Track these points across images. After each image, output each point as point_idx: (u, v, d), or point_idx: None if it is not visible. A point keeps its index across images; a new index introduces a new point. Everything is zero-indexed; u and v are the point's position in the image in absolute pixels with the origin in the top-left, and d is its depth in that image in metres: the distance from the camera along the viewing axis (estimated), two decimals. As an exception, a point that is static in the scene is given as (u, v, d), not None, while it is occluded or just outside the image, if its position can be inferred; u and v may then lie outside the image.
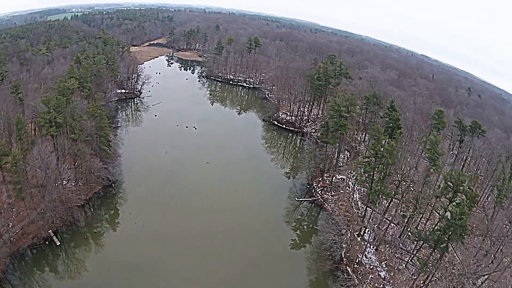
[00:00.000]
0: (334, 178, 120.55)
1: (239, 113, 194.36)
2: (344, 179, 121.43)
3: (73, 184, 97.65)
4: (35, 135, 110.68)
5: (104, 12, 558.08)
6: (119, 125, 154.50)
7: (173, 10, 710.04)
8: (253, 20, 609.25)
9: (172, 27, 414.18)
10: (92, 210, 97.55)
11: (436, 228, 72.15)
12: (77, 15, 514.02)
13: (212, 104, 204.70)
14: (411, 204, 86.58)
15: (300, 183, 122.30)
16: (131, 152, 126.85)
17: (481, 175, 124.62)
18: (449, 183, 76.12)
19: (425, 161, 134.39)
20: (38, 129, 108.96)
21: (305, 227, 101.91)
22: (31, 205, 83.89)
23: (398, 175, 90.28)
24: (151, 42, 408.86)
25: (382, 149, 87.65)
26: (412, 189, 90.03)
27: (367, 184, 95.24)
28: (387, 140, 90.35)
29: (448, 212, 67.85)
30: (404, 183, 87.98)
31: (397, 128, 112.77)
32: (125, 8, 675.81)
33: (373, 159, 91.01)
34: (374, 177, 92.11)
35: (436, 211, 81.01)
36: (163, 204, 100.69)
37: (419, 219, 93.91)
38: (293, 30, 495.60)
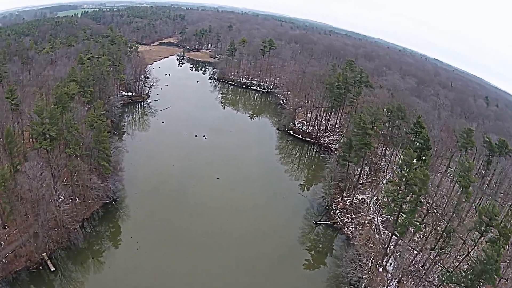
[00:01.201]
0: (354, 199, 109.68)
1: (251, 118, 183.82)
2: (364, 199, 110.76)
3: (70, 200, 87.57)
4: (32, 145, 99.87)
5: (114, 9, 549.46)
6: (123, 132, 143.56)
7: (185, 8, 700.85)
8: (266, 20, 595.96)
9: (184, 26, 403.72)
10: (91, 231, 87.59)
11: (468, 272, 62.79)
12: (87, 11, 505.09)
13: (224, 108, 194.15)
14: (439, 234, 78.79)
15: (318, 203, 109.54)
16: (135, 163, 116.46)
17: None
18: (483, 217, 66.75)
19: (449, 178, 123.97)
20: (35, 140, 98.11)
21: (321, 247, 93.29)
22: (23, 227, 75.66)
23: (428, 203, 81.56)
24: (162, 41, 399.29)
25: (414, 177, 75.73)
26: (440, 216, 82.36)
27: (394, 214, 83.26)
28: (420, 167, 79.21)
29: (483, 252, 61.26)
30: (434, 212, 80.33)
31: (427, 149, 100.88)
32: (136, 6, 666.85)
33: (403, 186, 79.64)
34: (403, 207, 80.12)
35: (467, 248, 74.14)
36: (167, 228, 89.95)
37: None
38: (307, 32, 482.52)
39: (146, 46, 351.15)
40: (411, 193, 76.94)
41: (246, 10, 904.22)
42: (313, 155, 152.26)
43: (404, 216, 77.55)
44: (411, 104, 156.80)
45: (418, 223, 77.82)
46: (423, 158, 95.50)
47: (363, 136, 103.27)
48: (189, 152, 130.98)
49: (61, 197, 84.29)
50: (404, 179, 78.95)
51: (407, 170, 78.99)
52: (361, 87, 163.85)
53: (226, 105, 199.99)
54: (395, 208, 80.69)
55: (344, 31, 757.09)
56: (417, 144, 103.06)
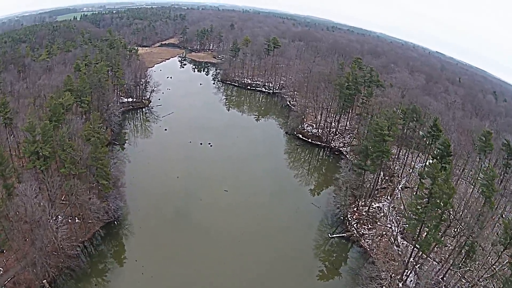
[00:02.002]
0: (370, 208, 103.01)
1: (258, 121, 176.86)
2: (381, 208, 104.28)
3: (69, 221, 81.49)
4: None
5: (114, 11, 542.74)
6: (125, 140, 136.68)
7: (185, 8, 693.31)
8: (268, 18, 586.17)
9: (185, 26, 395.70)
10: (93, 252, 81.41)
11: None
12: (86, 14, 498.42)
13: (229, 111, 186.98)
14: (461, 246, 72.61)
15: (332, 213, 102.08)
16: (137, 175, 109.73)
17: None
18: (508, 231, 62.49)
19: (464, 180, 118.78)
20: (28, 159, 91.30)
21: (336, 260, 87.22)
22: (21, 252, 70.58)
23: (450, 216, 76.18)
24: (163, 43, 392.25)
25: (439, 190, 68.94)
26: (462, 228, 76.77)
27: (417, 230, 76.93)
28: (445, 179, 71.10)
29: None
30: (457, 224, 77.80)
31: (448, 155, 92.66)
32: (136, 7, 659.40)
33: (427, 200, 72.79)
34: (425, 222, 73.10)
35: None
36: (173, 249, 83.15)
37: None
38: (310, 29, 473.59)
39: (146, 48, 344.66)
40: (436, 208, 70.10)
41: (247, 8, 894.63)
42: (323, 158, 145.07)
43: (428, 232, 71.36)
44: (424, 103, 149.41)
45: (442, 239, 72.48)
46: (444, 165, 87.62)
47: (380, 142, 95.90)
48: (194, 162, 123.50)
49: (59, 218, 78.17)
50: (427, 192, 72.60)
51: (432, 183, 72.60)
52: (372, 87, 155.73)
53: (231, 108, 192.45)
54: (417, 223, 74.20)
55: (346, 26, 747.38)
56: (437, 151, 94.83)
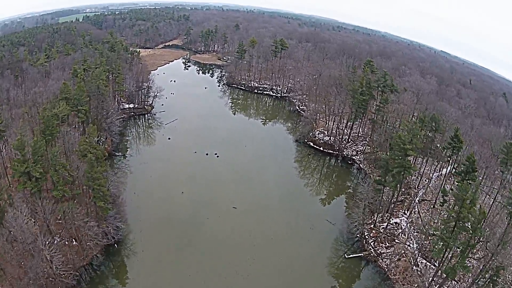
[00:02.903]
0: (387, 224, 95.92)
1: (266, 128, 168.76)
2: (398, 224, 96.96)
3: (66, 243, 74.50)
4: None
5: (116, 13, 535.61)
6: (127, 149, 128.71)
7: (189, 8, 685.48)
8: (273, 18, 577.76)
9: (189, 27, 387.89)
10: (92, 275, 74.04)
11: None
12: (88, 16, 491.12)
13: (235, 115, 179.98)
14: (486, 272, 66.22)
15: (348, 230, 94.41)
16: (138, 191, 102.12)
17: None
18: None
19: (484, 192, 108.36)
20: (18, 180, 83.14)
21: (352, 280, 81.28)
22: (16, 279, 64.24)
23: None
24: (166, 44, 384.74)
25: (468, 214, 63.52)
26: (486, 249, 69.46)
27: (442, 256, 71.68)
28: (473, 201, 65.12)
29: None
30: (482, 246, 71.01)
31: (473, 171, 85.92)
32: (139, 8, 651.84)
33: (454, 223, 66.77)
34: (451, 246, 67.41)
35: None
36: (179, 273, 75.96)
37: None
38: (316, 29, 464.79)
39: (149, 50, 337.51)
40: (464, 232, 65.48)
41: (251, 7, 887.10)
42: (334, 166, 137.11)
43: (456, 258, 67.66)
44: (440, 110, 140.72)
45: (468, 266, 67.44)
46: (469, 181, 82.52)
47: (402, 157, 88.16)
48: (200, 174, 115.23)
49: (55, 241, 70.68)
50: (454, 216, 66.35)
51: (460, 205, 65.67)
52: (387, 92, 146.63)
53: (238, 113, 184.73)
54: (443, 247, 68.46)
55: (351, 26, 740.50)
56: (462, 167, 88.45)
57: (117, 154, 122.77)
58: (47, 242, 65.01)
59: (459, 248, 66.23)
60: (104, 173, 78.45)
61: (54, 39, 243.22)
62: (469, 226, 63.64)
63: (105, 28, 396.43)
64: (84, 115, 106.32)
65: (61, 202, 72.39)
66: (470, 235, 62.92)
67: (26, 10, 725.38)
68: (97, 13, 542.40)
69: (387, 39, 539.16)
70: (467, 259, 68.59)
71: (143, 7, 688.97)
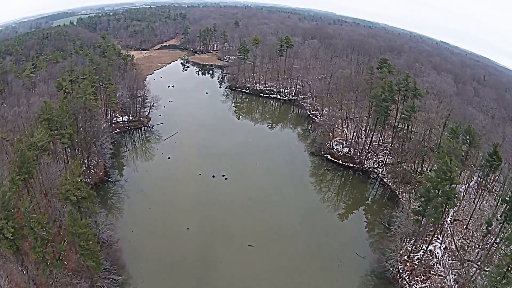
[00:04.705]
0: (421, 252, 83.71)
1: (275, 136, 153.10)
2: (432, 252, 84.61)
3: None
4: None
5: (111, 14, 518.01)
6: (121, 178, 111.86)
7: (186, 6, 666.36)
8: (272, 13, 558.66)
9: (186, 26, 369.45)
10: None
11: None
12: (82, 18, 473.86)
13: (240, 123, 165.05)
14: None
15: (379, 263, 79.74)
16: (137, 227, 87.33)
17: None
18: None
19: None
20: None
21: None
22: None
23: None
24: (163, 44, 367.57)
25: None
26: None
27: None
28: None
29: None
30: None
31: None
32: (135, 8, 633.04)
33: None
34: None
35: None
36: None
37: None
38: (318, 23, 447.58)
39: (145, 51, 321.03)
40: None
41: (248, 3, 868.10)
42: (352, 179, 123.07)
43: None
44: (468, 116, 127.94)
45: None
46: None
47: (448, 188, 73.39)
48: (207, 203, 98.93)
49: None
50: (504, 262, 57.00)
51: None
52: (411, 97, 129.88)
53: (243, 119, 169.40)
54: None
55: (350, 18, 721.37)
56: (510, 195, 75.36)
57: (110, 179, 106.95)
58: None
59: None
60: (90, 224, 62.85)
61: (43, 46, 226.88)
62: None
63: (99, 30, 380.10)
64: (68, 139, 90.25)
65: (43, 270, 56.96)
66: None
67: (21, 15, 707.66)
68: (91, 15, 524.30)
69: (389, 32, 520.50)
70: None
71: (139, 7, 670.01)
